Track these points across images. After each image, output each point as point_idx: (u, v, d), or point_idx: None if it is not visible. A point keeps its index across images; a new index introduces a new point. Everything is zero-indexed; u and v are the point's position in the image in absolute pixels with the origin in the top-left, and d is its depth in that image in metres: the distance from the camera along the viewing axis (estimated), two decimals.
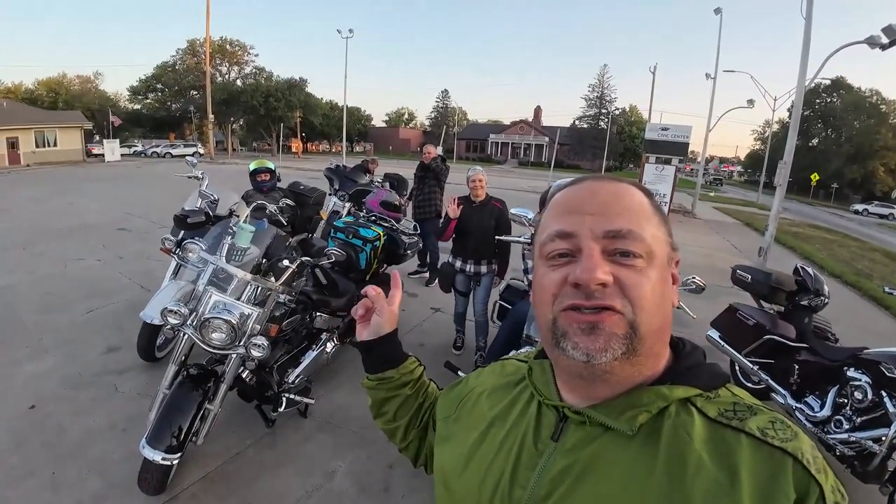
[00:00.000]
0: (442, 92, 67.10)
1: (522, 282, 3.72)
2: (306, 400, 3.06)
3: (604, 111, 56.12)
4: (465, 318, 4.43)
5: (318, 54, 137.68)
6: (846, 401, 2.99)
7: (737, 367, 4.00)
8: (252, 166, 4.75)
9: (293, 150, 47.82)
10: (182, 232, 3.74)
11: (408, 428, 0.98)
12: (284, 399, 2.92)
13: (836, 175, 41.80)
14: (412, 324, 5.09)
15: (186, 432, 2.36)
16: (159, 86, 47.81)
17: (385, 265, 4.45)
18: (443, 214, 6.05)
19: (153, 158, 33.93)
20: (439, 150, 6.67)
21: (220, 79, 47.75)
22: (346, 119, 28.77)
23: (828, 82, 45.31)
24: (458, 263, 4.12)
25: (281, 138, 35.42)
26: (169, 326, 2.44)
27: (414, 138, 70.06)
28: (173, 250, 3.16)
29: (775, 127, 38.72)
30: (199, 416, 2.46)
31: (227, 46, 48.74)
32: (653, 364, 0.62)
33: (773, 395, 3.41)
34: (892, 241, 20.46)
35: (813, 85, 42.62)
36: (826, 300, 3.53)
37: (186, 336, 2.52)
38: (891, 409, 2.74)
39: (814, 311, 3.55)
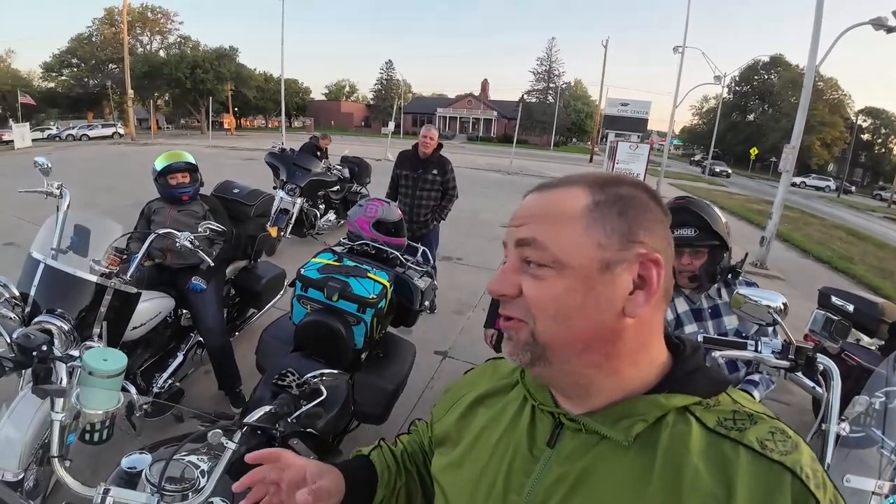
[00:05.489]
0: (386, 63, 62.26)
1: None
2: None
3: (552, 85, 55.53)
4: None
5: (250, 21, 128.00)
6: None
7: None
8: (160, 163, 3.00)
9: (226, 126, 42.81)
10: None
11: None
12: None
13: (773, 149, 43.06)
14: (413, 393, 3.19)
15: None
16: (74, 60, 42.03)
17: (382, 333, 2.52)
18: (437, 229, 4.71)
19: (68, 142, 29.25)
20: (434, 133, 4.46)
21: (140, 49, 42.83)
22: (283, 91, 25.54)
23: (766, 59, 46.69)
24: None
25: (210, 114, 31.36)
26: None
27: (357, 112, 66.55)
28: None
29: (712, 103, 38.99)
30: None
31: (149, 14, 43.74)
32: (593, 375, 0.59)
33: None
34: (838, 213, 21.39)
35: (752, 62, 44.04)
36: None
37: None
38: None
39: None
